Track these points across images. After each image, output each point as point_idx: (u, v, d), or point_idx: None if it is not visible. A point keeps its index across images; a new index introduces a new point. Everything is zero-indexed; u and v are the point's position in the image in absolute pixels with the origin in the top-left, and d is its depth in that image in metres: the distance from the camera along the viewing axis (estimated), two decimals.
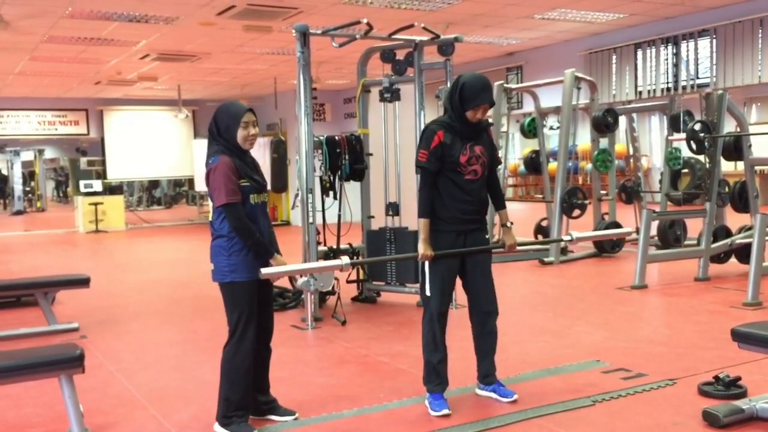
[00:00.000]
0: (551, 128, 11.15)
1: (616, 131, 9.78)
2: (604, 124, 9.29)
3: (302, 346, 5.46)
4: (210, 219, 3.72)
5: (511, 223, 4.04)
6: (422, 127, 6.33)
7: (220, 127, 3.53)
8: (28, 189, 26.15)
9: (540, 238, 10.22)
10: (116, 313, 6.84)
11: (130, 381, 4.59)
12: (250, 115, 3.56)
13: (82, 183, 16.70)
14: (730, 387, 3.85)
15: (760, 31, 9.79)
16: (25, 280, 7.01)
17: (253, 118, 3.58)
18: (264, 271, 3.48)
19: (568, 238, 4.27)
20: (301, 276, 5.81)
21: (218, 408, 3.60)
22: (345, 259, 3.75)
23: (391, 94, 6.66)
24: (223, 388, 3.58)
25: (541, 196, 14.11)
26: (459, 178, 3.77)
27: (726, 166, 7.88)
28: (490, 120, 9.55)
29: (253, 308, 3.57)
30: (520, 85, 11.92)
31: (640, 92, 11.42)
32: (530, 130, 10.35)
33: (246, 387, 3.58)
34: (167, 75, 14.60)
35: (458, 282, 3.99)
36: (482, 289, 3.92)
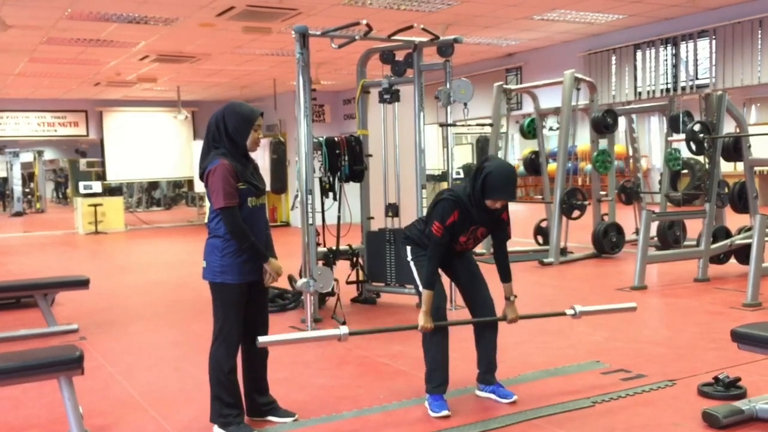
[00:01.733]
0: (551, 129, 11.16)
1: (616, 132, 9.78)
2: (604, 125, 9.30)
3: (302, 347, 5.45)
4: (206, 219, 3.73)
5: (515, 297, 4.05)
6: (421, 127, 6.41)
7: (229, 128, 3.51)
8: (27, 190, 26.12)
9: (539, 239, 10.22)
10: (116, 315, 6.84)
11: (130, 382, 4.59)
12: (261, 119, 3.60)
13: (81, 184, 16.69)
14: (729, 388, 3.85)
15: (760, 31, 9.79)
16: (25, 282, 7.01)
17: (262, 122, 3.62)
18: (261, 339, 3.58)
19: (571, 312, 4.30)
20: (300, 278, 5.81)
21: (211, 408, 3.61)
22: (344, 329, 3.77)
23: (390, 95, 6.67)
24: (212, 388, 3.60)
25: (540, 197, 14.14)
26: (451, 247, 3.88)
27: (725, 166, 7.89)
28: (488, 122, 9.55)
29: (239, 310, 3.59)
30: (519, 86, 11.91)
31: (640, 93, 11.41)
32: (530, 131, 10.35)
33: (234, 386, 3.59)
34: (166, 76, 14.60)
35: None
36: (477, 292, 3.98)
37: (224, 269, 3.52)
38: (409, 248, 3.99)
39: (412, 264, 3.96)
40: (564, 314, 4.36)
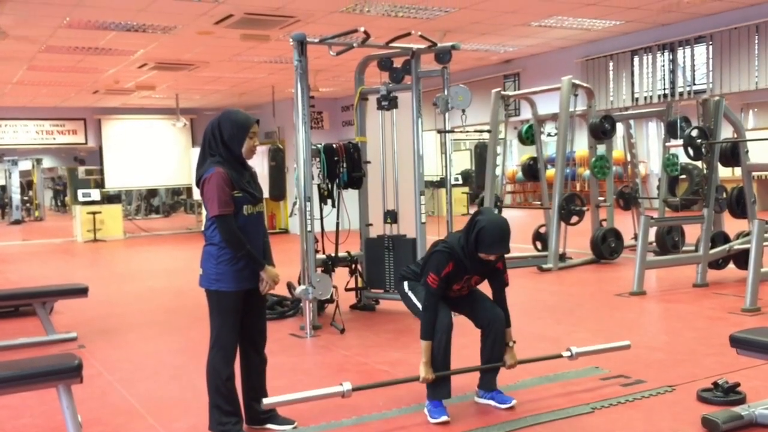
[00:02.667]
0: (549, 135, 11.16)
1: (614, 138, 9.80)
2: (602, 131, 9.31)
3: (301, 355, 5.45)
4: (203, 227, 3.74)
5: (514, 342, 4.06)
6: (419, 134, 6.41)
7: (224, 135, 3.51)
8: (26, 198, 26.12)
9: (538, 244, 10.22)
10: (114, 323, 6.83)
11: (129, 390, 4.58)
12: (257, 126, 3.59)
13: (80, 192, 16.69)
14: (729, 393, 3.85)
15: (757, 37, 9.82)
16: (23, 290, 7.00)
17: (258, 129, 3.61)
18: (266, 401, 3.59)
19: (567, 354, 4.35)
20: (299, 285, 5.81)
21: (210, 416, 3.61)
22: (347, 385, 3.76)
23: (388, 102, 6.68)
24: (210, 396, 3.60)
25: (539, 202, 14.13)
26: (445, 294, 3.90)
27: (723, 171, 7.90)
28: (486, 128, 9.57)
29: (236, 318, 3.58)
30: (517, 92, 11.93)
31: (637, 99, 11.43)
32: (528, 137, 10.37)
33: (232, 393, 3.59)
34: (165, 84, 14.62)
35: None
36: (479, 307, 3.99)
37: (220, 277, 3.53)
38: (405, 283, 4.07)
39: (410, 294, 4.02)
40: (561, 356, 4.40)
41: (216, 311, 3.58)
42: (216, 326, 3.58)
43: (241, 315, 3.63)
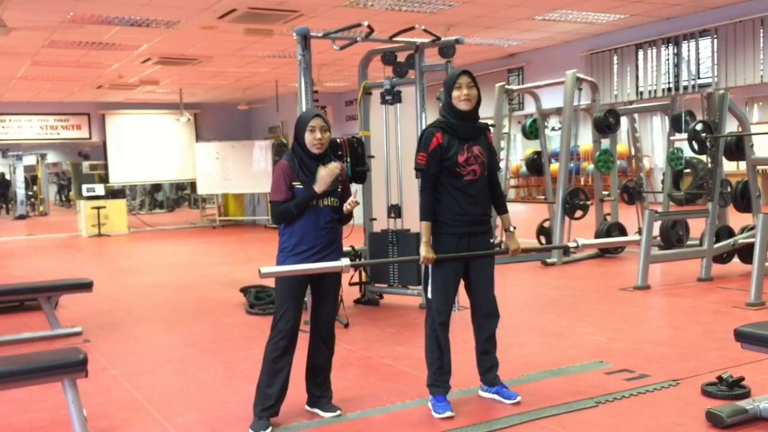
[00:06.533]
0: (553, 129, 11.16)
1: (618, 132, 9.77)
2: (606, 125, 9.29)
3: (304, 348, 5.42)
4: None
5: (514, 228, 4.05)
6: (423, 128, 6.40)
7: (296, 132, 3.77)
8: (30, 193, 26.19)
9: (542, 239, 10.21)
10: (119, 317, 6.85)
11: (134, 385, 4.60)
12: (318, 120, 3.74)
13: (84, 187, 16.71)
14: (733, 387, 3.85)
15: (762, 30, 9.79)
16: (28, 285, 7.01)
17: (320, 123, 3.74)
18: (263, 270, 3.60)
19: (573, 244, 4.28)
20: None
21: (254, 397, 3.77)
22: (345, 261, 3.76)
23: (392, 97, 6.68)
24: (259, 377, 3.75)
25: (543, 197, 14.12)
26: (459, 179, 3.79)
27: (728, 166, 7.89)
28: (491, 122, 9.57)
29: (296, 305, 3.74)
30: (521, 86, 11.91)
31: (642, 93, 11.41)
32: (532, 131, 10.35)
33: (272, 378, 3.71)
34: (169, 79, 14.63)
35: (461, 283, 3.99)
36: (484, 293, 3.94)
37: (281, 262, 3.74)
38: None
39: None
40: (567, 247, 4.43)
41: (277, 296, 3.77)
42: (276, 310, 3.75)
43: (314, 306, 3.86)
